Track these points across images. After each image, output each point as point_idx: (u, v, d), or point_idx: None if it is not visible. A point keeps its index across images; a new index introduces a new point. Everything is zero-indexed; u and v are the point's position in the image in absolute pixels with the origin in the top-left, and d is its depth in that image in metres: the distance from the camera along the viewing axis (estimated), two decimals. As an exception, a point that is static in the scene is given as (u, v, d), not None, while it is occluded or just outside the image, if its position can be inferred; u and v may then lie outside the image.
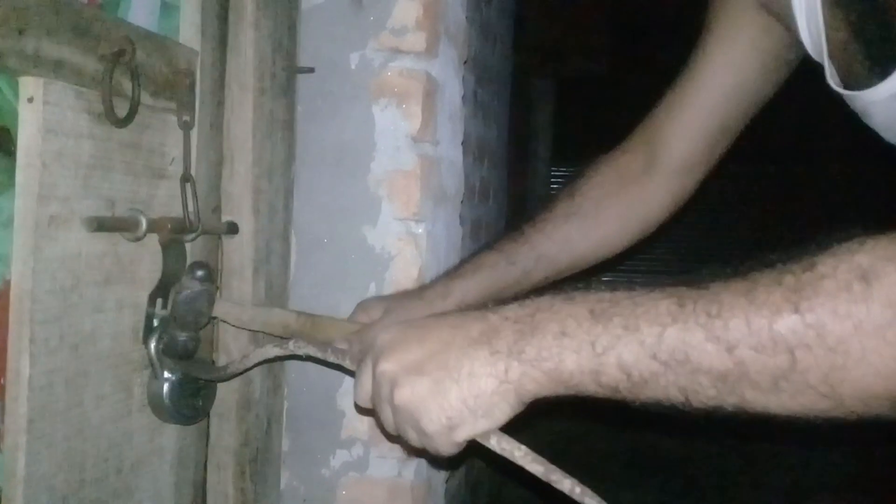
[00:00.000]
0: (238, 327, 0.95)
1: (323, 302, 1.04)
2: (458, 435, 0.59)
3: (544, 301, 0.59)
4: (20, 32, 0.64)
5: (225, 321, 0.95)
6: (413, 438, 0.62)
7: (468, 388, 0.58)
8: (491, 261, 1.00)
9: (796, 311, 0.49)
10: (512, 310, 0.60)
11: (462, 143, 1.29)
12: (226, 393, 0.95)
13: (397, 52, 1.02)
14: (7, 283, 0.68)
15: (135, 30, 0.80)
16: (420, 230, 1.04)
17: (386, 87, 1.02)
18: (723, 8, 0.90)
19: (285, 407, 1.06)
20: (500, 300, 0.64)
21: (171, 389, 0.85)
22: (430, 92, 1.04)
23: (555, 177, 4.54)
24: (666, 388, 0.53)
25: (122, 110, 0.77)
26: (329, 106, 1.02)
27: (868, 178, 3.33)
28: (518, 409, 0.59)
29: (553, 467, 0.59)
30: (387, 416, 0.63)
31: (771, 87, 0.92)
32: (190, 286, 0.86)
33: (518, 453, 0.59)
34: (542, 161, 4.19)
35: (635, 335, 0.53)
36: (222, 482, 0.97)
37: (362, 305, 0.98)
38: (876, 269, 0.48)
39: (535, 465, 0.59)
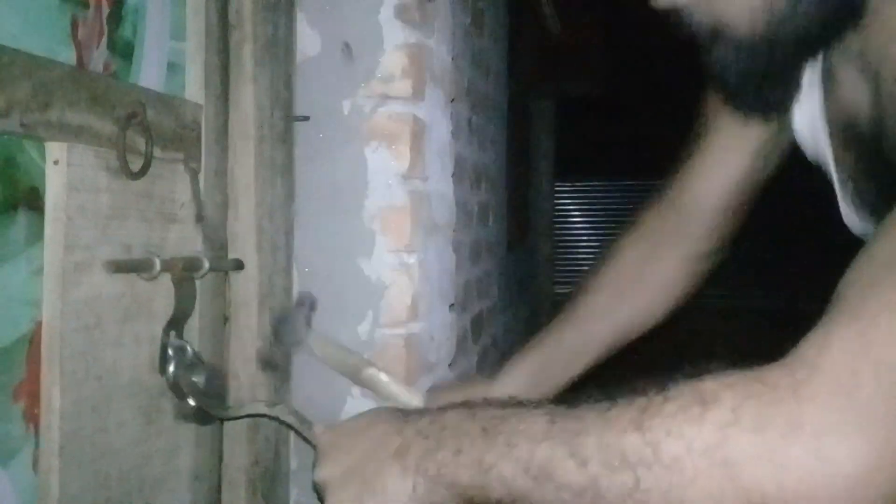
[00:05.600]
0: (321, 359, 1.10)
1: (324, 330, 1.13)
2: None
3: (451, 417, 0.67)
4: (46, 105, 0.73)
5: (312, 351, 1.10)
6: None
7: (383, 503, 0.66)
8: (541, 346, 1.05)
9: (638, 429, 0.52)
10: (424, 424, 0.68)
11: (453, 175, 1.37)
12: (236, 416, 1.04)
13: (386, 97, 1.11)
14: (38, 325, 0.77)
15: (145, 92, 0.89)
16: (412, 260, 1.12)
17: (376, 130, 1.11)
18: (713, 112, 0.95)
19: (292, 428, 1.14)
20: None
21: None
22: (418, 132, 1.13)
23: (559, 192, 4.63)
24: (540, 502, 0.57)
25: (136, 164, 0.86)
26: (325, 150, 1.11)
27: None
28: None
29: None
30: None
31: (782, 158, 0.95)
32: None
33: None
34: (545, 178, 4.27)
35: (514, 452, 0.58)
36: (235, 499, 1.05)
37: (435, 386, 1.15)
38: (715, 394, 0.51)
39: None
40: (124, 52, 0.89)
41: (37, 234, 0.77)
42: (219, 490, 1.05)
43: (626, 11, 3.54)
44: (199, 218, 0.97)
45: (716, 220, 1.01)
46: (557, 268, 4.71)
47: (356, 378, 1.10)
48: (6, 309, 0.74)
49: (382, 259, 1.12)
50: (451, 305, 1.33)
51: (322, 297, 1.13)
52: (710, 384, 0.52)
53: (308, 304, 1.11)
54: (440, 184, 1.27)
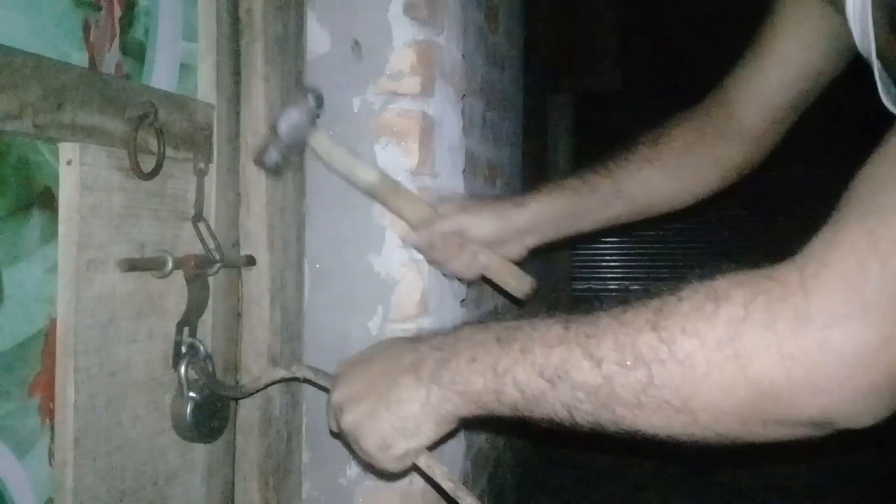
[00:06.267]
0: (326, 163, 1.07)
1: (335, 325, 1.14)
2: (393, 452, 0.69)
3: (464, 331, 0.68)
4: (58, 107, 0.75)
5: (315, 152, 1.07)
6: (361, 457, 0.72)
7: (396, 413, 0.68)
8: (573, 185, 1.08)
9: (654, 328, 0.55)
10: (438, 340, 0.70)
11: (464, 171, 1.38)
12: (249, 412, 1.06)
13: (395, 94, 1.12)
14: (53, 321, 0.79)
15: (157, 93, 0.91)
16: (421, 256, 1.13)
17: (386, 127, 1.12)
18: None
19: (304, 423, 1.16)
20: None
21: (193, 409, 0.94)
22: (427, 129, 1.14)
23: (577, 188, 4.61)
24: (553, 404, 0.60)
25: (148, 164, 0.87)
26: (335, 147, 1.12)
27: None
28: (445, 427, 0.69)
29: (461, 486, 0.71)
30: (343, 439, 0.73)
31: (833, 70, 0.96)
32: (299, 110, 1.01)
33: (437, 471, 0.71)
34: (562, 174, 4.23)
35: (529, 357, 0.61)
36: (248, 492, 1.07)
37: (443, 196, 1.13)
38: (727, 292, 0.53)
39: (447, 482, 0.70)
40: (136, 53, 0.91)
41: (51, 233, 0.79)
42: (232, 483, 1.07)
43: (644, 4, 3.53)
44: (198, 218, 0.97)
45: (767, 119, 1.02)
46: (575, 264, 4.69)
47: (361, 183, 1.06)
48: (22, 306, 0.75)
49: (392, 255, 1.13)
50: (463, 301, 1.34)
51: (333, 292, 1.15)
52: (722, 282, 0.54)
53: (314, 98, 1.05)
54: (451, 180, 1.27)
